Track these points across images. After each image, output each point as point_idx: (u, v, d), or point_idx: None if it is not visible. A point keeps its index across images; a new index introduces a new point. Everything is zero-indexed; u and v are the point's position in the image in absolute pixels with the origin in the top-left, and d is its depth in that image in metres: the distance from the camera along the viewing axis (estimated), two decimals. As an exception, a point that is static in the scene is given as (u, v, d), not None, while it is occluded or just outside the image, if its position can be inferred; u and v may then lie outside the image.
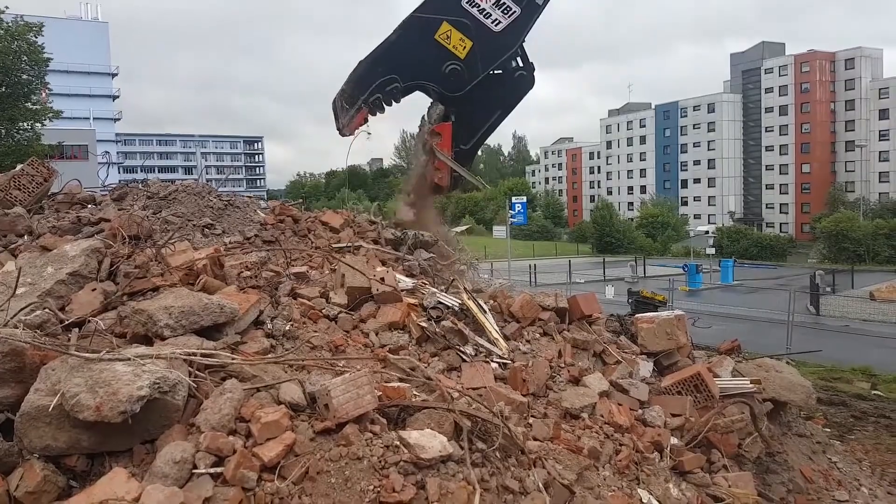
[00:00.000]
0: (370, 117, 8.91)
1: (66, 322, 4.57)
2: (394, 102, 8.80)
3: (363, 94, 8.50)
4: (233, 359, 4.35)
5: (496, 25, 8.78)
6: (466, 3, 8.76)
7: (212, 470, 3.40)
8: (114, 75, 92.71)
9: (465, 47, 8.71)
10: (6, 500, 3.36)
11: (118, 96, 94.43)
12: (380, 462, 3.74)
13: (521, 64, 9.34)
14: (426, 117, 9.69)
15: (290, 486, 3.43)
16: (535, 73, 9.40)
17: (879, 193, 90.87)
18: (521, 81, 9.38)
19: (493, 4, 8.75)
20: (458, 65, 8.72)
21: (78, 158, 41.18)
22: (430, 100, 9.70)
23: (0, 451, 3.50)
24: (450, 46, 8.68)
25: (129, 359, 3.75)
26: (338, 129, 8.71)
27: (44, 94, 37.03)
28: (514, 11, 8.84)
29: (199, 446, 3.48)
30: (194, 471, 3.39)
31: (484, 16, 8.73)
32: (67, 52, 66.76)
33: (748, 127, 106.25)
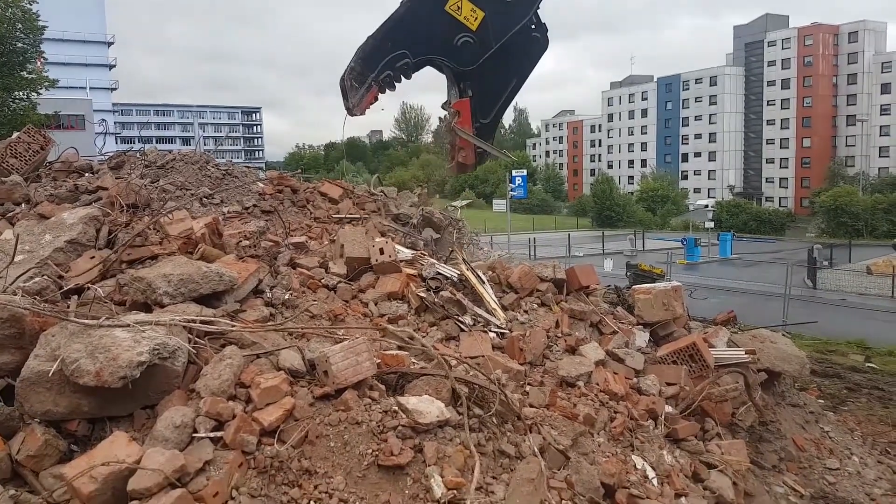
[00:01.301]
0: (380, 94, 8.55)
1: (65, 289, 4.59)
2: (404, 79, 8.46)
3: (373, 72, 8.10)
4: (232, 326, 4.38)
5: None
6: None
7: (212, 434, 3.45)
8: (110, 44, 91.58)
9: (476, 18, 8.39)
10: (8, 464, 3.41)
11: (114, 65, 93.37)
12: (378, 426, 3.79)
13: (532, 26, 9.08)
14: (449, 99, 9.40)
15: (290, 450, 3.48)
16: (548, 35, 9.16)
17: (879, 168, 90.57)
18: (534, 45, 9.14)
19: None
20: (470, 37, 8.41)
21: (75, 128, 40.87)
22: (443, 76, 9.41)
23: (1, 416, 3.55)
24: (461, 18, 8.36)
25: (128, 325, 3.78)
26: (347, 109, 8.35)
27: (39, 63, 36.64)
28: None
29: (199, 411, 3.52)
30: (194, 435, 3.44)
31: None
32: (62, 20, 65.79)
33: (750, 100, 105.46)
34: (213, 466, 3.28)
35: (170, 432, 3.37)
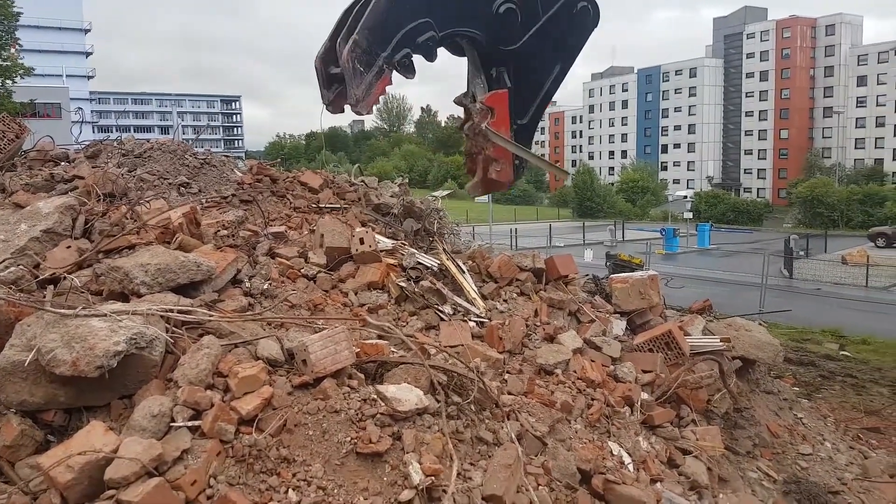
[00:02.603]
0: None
1: (41, 278, 4.55)
2: (426, 61, 6.40)
3: (386, 50, 5.88)
4: (210, 316, 4.37)
5: None
6: None
7: (189, 423, 3.45)
8: (87, 31, 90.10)
9: None
10: None
11: (91, 53, 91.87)
12: (357, 414, 3.81)
13: None
14: (470, 91, 7.08)
15: (268, 439, 3.49)
16: (599, 7, 7.24)
17: (855, 160, 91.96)
18: (584, 18, 7.12)
19: None
20: (513, 3, 6.42)
21: (51, 117, 40.19)
22: (462, 59, 7.14)
23: None
24: None
25: (105, 315, 3.76)
26: (350, 105, 6.10)
27: (13, 50, 35.98)
28: None
29: (176, 400, 3.52)
30: (172, 424, 3.44)
31: None
32: (38, 6, 64.65)
33: (729, 92, 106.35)
34: (190, 455, 3.29)
35: (147, 421, 3.37)
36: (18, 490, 3.15)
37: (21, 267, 4.55)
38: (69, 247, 5.10)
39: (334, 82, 6.16)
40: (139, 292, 4.45)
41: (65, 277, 4.59)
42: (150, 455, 3.11)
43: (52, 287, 4.54)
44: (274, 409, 3.68)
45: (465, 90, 6.98)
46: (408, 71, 6.15)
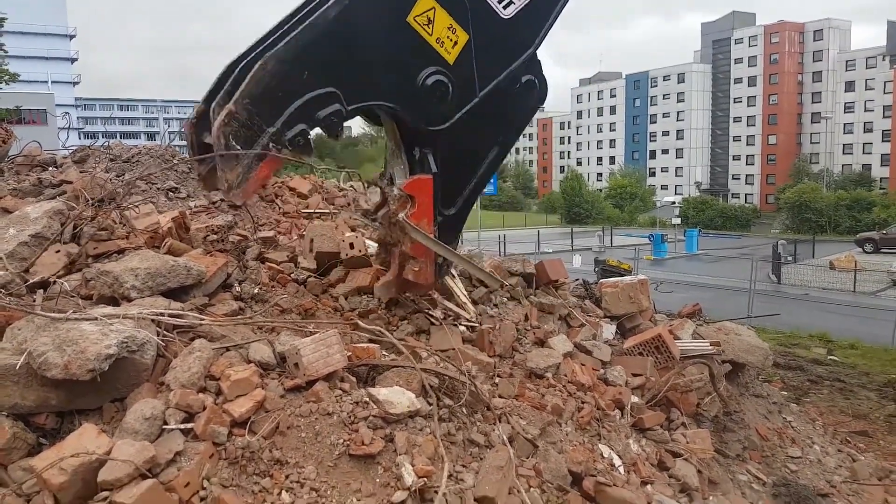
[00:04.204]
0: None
1: (31, 283, 4.54)
2: (327, 137, 4.92)
3: (273, 125, 4.35)
4: (201, 320, 4.37)
5: (506, 8, 5.16)
6: None
7: (182, 426, 3.45)
8: (72, 37, 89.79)
9: (455, 44, 5.01)
10: None
11: (76, 59, 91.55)
12: (349, 417, 3.82)
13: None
14: (388, 172, 5.65)
15: (261, 441, 3.49)
16: (546, 81, 5.81)
17: (843, 165, 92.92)
18: (528, 95, 5.70)
19: None
20: (444, 74, 5.01)
21: (37, 123, 39.97)
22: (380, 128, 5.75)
23: None
24: (432, 40, 4.91)
25: (96, 318, 3.75)
26: (222, 187, 4.36)
27: (-1, 55, 35.83)
28: None
29: (168, 403, 3.52)
30: (164, 427, 3.44)
31: None
32: (22, 12, 64.34)
33: (717, 98, 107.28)
34: (183, 457, 3.29)
35: (140, 424, 3.37)
36: (12, 492, 3.14)
37: (10, 271, 4.53)
38: (58, 251, 5.09)
39: (210, 152, 4.56)
40: (129, 296, 4.44)
41: (54, 282, 4.57)
42: (143, 457, 3.11)
43: (41, 291, 4.53)
44: (266, 412, 3.68)
45: (383, 170, 5.77)
46: (303, 151, 4.56)
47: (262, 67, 4.22)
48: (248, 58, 4.48)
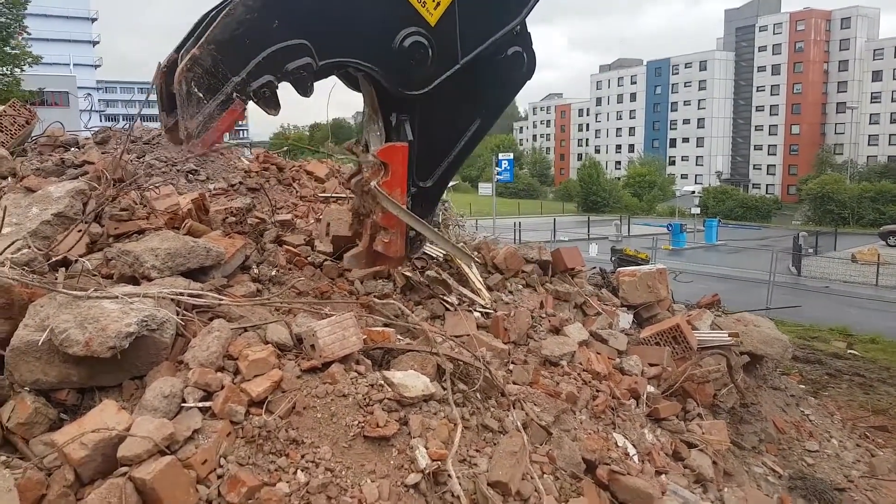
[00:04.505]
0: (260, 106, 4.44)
1: (53, 261, 4.59)
2: (298, 94, 4.56)
3: (239, 74, 4.15)
4: (220, 300, 4.40)
5: None
6: None
7: (200, 404, 3.49)
8: (93, 20, 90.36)
9: (438, 4, 4.73)
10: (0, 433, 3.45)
11: (98, 42, 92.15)
12: (364, 399, 3.85)
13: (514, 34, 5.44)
14: (363, 138, 5.50)
15: (277, 420, 3.53)
16: (535, 53, 5.62)
17: (868, 156, 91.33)
18: (516, 68, 5.51)
19: None
20: (424, 37, 4.74)
21: (59, 105, 40.35)
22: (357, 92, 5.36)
23: None
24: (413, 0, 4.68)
25: (116, 297, 3.80)
26: (180, 136, 4.30)
27: (21, 38, 36.13)
28: None
29: (187, 381, 3.57)
30: (183, 405, 3.48)
31: None
32: (45, -6, 64.84)
33: (739, 86, 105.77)
34: (201, 435, 3.33)
35: (158, 402, 3.41)
36: (33, 466, 3.20)
37: (33, 249, 4.59)
38: (80, 231, 5.14)
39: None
40: (149, 276, 4.48)
41: (76, 260, 4.63)
42: (161, 434, 3.15)
43: (63, 269, 4.58)
44: (283, 392, 3.72)
45: (363, 135, 5.53)
46: (269, 105, 4.31)
47: (229, 13, 4.07)
48: (224, 4, 4.31)
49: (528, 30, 5.47)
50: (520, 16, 5.21)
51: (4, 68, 33.89)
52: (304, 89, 4.38)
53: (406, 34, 4.68)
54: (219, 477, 3.24)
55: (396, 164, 5.02)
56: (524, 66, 5.54)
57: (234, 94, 4.11)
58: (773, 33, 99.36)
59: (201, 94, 4.06)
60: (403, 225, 5.27)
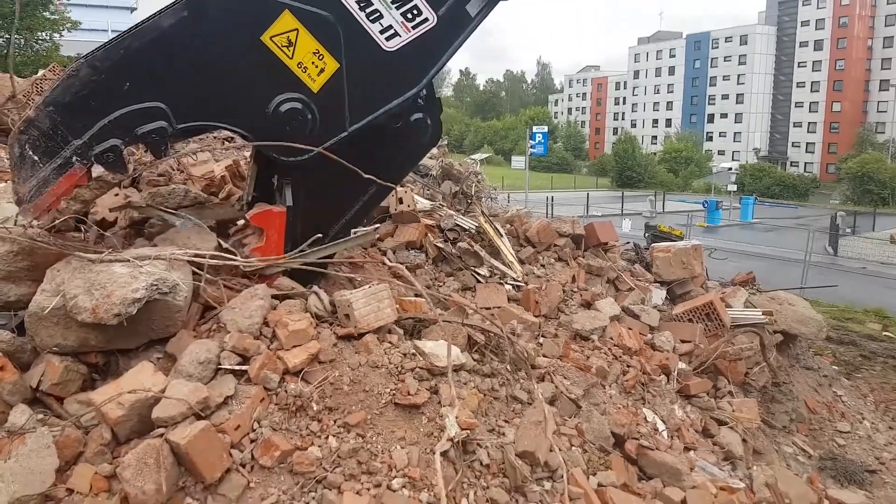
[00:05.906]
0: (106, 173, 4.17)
1: (90, 224, 4.65)
2: (155, 157, 4.24)
3: (81, 137, 3.84)
4: (238, 260, 4.23)
5: (389, 40, 4.47)
6: None
7: (236, 367, 3.54)
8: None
9: (321, 71, 4.39)
10: (29, 393, 3.50)
11: (136, 8, 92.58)
12: (396, 368, 3.88)
13: (420, 100, 4.96)
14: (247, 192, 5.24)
15: (312, 389, 3.57)
16: (440, 118, 5.13)
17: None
18: (415, 137, 5.01)
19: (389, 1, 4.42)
20: (304, 103, 4.38)
21: (97, 72, 40.72)
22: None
23: (13, 346, 3.59)
24: (292, 64, 4.31)
25: (128, 260, 3.68)
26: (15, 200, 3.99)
27: (59, 3, 36.49)
28: (427, 20, 4.51)
29: (224, 346, 3.61)
30: (219, 367, 3.53)
31: (370, 17, 4.41)
32: (84, -40, 65.25)
33: (780, 61, 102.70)
34: (234, 400, 3.38)
35: (194, 368, 3.45)
36: (71, 424, 3.28)
37: (70, 211, 4.63)
38: (117, 194, 5.21)
39: None
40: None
41: (114, 221, 4.69)
42: (196, 397, 3.20)
43: (95, 229, 4.61)
44: (320, 363, 3.75)
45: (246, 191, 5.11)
46: (114, 168, 3.95)
47: (72, 73, 3.81)
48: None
49: (437, 96, 5.11)
50: (419, 84, 4.71)
51: (43, 33, 34.30)
52: (158, 153, 4.09)
53: (282, 100, 4.31)
54: (252, 441, 3.29)
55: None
56: (428, 133, 5.04)
57: (74, 159, 3.82)
58: (817, 7, 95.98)
59: (36, 158, 3.79)
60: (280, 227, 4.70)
